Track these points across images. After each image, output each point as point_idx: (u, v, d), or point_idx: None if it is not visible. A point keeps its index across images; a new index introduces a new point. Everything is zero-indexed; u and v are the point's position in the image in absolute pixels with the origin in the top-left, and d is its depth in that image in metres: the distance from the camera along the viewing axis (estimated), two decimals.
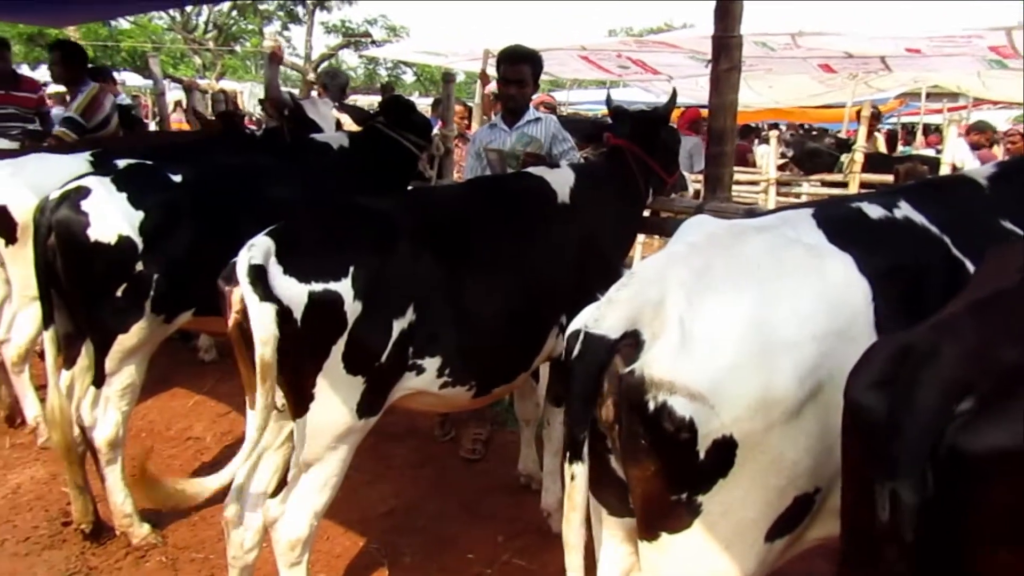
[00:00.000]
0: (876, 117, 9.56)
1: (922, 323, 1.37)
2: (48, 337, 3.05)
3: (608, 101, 3.86)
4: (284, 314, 2.26)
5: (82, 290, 3.01)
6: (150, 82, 10.93)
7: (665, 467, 1.56)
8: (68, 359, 3.14)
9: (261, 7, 31.52)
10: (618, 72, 11.34)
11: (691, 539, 1.60)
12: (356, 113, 4.69)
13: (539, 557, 3.26)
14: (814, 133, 9.96)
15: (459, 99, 7.33)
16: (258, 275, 2.23)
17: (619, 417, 1.61)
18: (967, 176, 2.44)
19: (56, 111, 6.28)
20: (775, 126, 14.41)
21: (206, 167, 3.42)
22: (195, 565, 3.21)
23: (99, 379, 3.08)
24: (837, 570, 1.41)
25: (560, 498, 3.33)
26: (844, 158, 8.00)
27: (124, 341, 3.03)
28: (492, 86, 8.29)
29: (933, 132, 14.96)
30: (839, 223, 1.92)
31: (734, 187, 3.57)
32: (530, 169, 3.35)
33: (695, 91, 10.29)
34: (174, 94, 11.76)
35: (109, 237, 2.91)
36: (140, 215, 2.97)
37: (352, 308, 2.34)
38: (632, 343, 1.60)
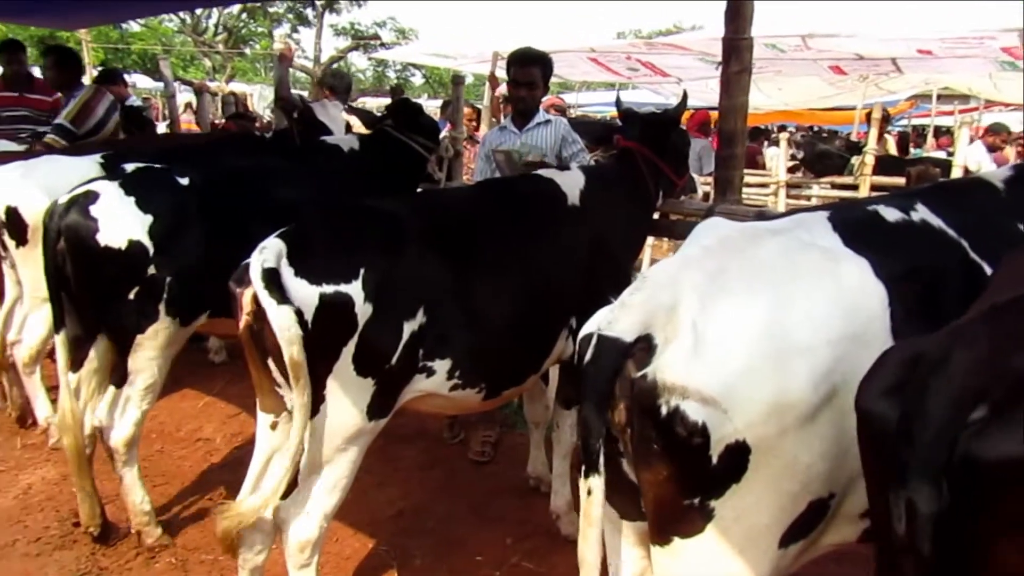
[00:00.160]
0: (885, 119, 9.52)
1: (935, 330, 1.36)
2: (59, 341, 3.05)
3: (618, 103, 3.86)
4: (295, 316, 2.26)
5: (95, 294, 3.01)
6: (161, 84, 10.99)
7: (678, 472, 1.56)
8: (75, 362, 3.14)
9: (271, 10, 31.65)
10: (627, 74, 11.32)
11: (704, 544, 1.59)
12: (365, 116, 4.71)
13: (548, 560, 3.25)
14: (824, 135, 9.93)
15: (468, 101, 7.32)
16: (272, 279, 2.23)
17: (631, 421, 1.60)
18: (983, 179, 2.43)
19: None
20: (783, 128, 14.37)
21: (215, 170, 3.41)
22: (205, 566, 3.21)
23: (120, 378, 3.09)
24: None
25: (569, 500, 3.37)
26: (854, 160, 7.97)
27: (143, 342, 3.03)
28: (502, 88, 8.30)
29: (944, 134, 14.89)
30: (855, 226, 1.91)
31: (743, 190, 3.56)
32: (540, 171, 3.35)
33: (705, 93, 10.26)
34: (184, 96, 11.82)
35: (119, 242, 2.91)
36: (149, 219, 2.96)
37: (363, 310, 2.34)
38: (645, 347, 1.59)
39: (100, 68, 11.15)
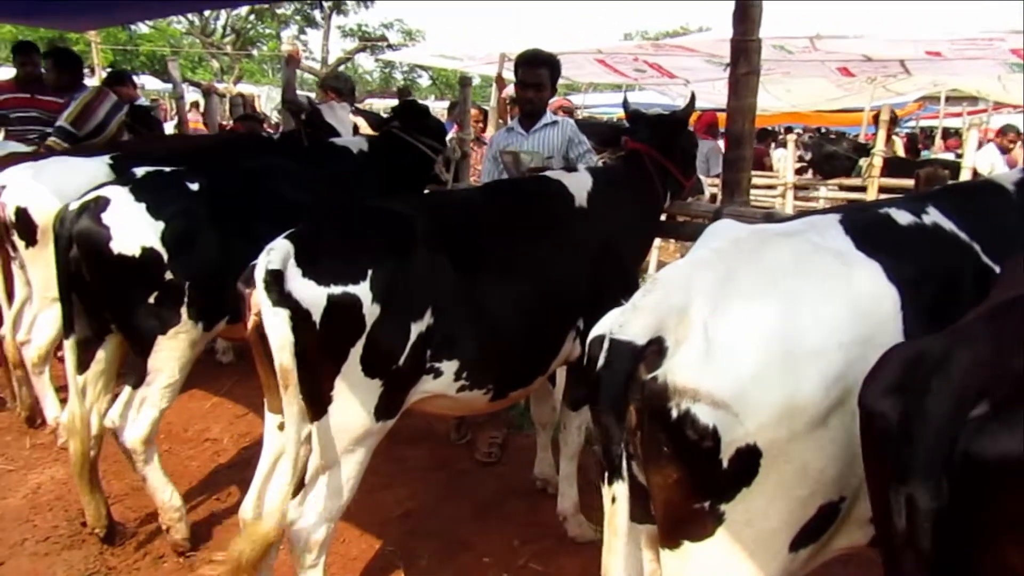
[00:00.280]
0: (893, 121, 9.49)
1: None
2: (69, 345, 3.05)
3: (625, 104, 3.85)
4: (303, 316, 2.26)
5: (112, 299, 3.00)
6: (169, 86, 11.03)
7: (688, 475, 1.55)
8: (82, 363, 3.14)
9: (278, 11, 31.72)
10: (634, 76, 11.33)
11: (714, 548, 1.58)
12: (372, 117, 4.72)
13: (555, 561, 3.25)
14: (832, 137, 9.89)
15: (474, 103, 7.33)
16: (274, 280, 2.23)
17: (641, 424, 1.60)
18: (994, 181, 2.41)
19: None
20: (790, 129, 14.33)
21: (227, 173, 3.41)
22: (213, 566, 3.21)
23: (139, 380, 3.08)
24: None
25: (576, 502, 3.36)
26: (863, 162, 7.95)
27: (165, 343, 3.02)
28: (509, 90, 8.30)
29: (952, 136, 14.83)
30: (867, 229, 1.90)
31: (751, 191, 3.55)
32: (548, 172, 3.35)
33: (712, 95, 10.26)
34: (191, 96, 11.86)
35: (133, 250, 2.90)
36: (161, 225, 2.95)
37: (370, 311, 2.34)
38: (656, 349, 1.59)
39: (109, 69, 11.20)
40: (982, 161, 7.69)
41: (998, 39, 6.97)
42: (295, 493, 2.57)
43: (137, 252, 2.90)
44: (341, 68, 28.56)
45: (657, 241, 6.59)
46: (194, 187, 3.15)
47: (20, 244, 3.74)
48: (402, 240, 2.53)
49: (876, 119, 8.34)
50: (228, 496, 3.72)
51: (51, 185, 3.67)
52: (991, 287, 1.69)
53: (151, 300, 2.95)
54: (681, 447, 1.53)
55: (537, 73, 3.97)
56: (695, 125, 8.06)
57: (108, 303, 3.03)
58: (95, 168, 3.83)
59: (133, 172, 3.17)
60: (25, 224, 3.67)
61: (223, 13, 30.44)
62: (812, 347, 1.56)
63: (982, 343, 1.30)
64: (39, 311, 3.92)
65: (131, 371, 3.19)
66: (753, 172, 3.88)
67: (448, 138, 4.66)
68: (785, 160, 8.73)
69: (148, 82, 18.97)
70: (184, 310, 3.01)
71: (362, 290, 2.33)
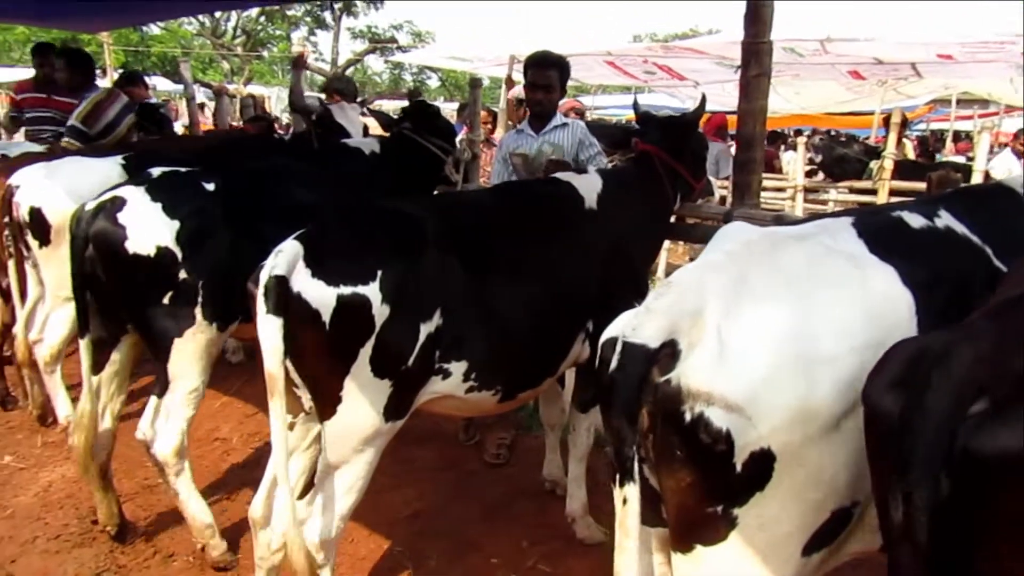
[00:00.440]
0: (903, 124, 9.46)
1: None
2: (84, 345, 3.05)
3: (635, 106, 3.85)
4: (312, 317, 2.27)
5: (128, 300, 2.99)
6: (180, 87, 11.08)
7: (701, 478, 1.55)
8: (96, 364, 3.14)
9: (289, 13, 31.85)
10: (644, 78, 11.32)
11: (726, 552, 1.58)
12: (382, 118, 4.72)
13: (564, 563, 3.24)
14: (843, 139, 9.86)
15: (484, 104, 7.33)
16: (275, 286, 2.25)
17: (654, 427, 1.60)
18: (1005, 185, 2.40)
19: None
20: (800, 132, 14.29)
21: (242, 173, 3.40)
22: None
23: (162, 388, 3.07)
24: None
25: (585, 504, 3.36)
26: (873, 165, 7.92)
27: (181, 346, 3.00)
28: (515, 91, 8.30)
29: (963, 139, 14.76)
30: (880, 232, 1.89)
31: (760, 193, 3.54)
32: (558, 175, 3.35)
33: (722, 97, 10.25)
34: (199, 97, 11.89)
35: (148, 249, 2.89)
36: (176, 224, 2.94)
37: (380, 311, 2.34)
38: (670, 352, 1.58)
39: (120, 70, 11.26)
40: (999, 166, 7.65)
41: (1010, 42, 6.93)
42: (303, 493, 2.59)
43: (152, 252, 2.90)
44: (351, 69, 28.66)
45: (666, 243, 6.57)
46: (210, 187, 3.14)
47: (34, 244, 3.75)
48: (412, 241, 2.53)
49: (886, 122, 8.31)
50: (238, 496, 3.74)
51: (64, 185, 3.69)
52: (998, 286, 1.69)
53: (166, 300, 2.95)
54: (694, 450, 1.52)
55: (547, 75, 3.97)
56: (704, 127, 8.04)
57: (124, 303, 3.02)
58: (108, 168, 3.85)
59: (149, 172, 3.16)
60: (39, 224, 3.69)
61: (234, 15, 30.60)
62: (826, 351, 1.56)
63: (984, 340, 1.31)
64: (52, 310, 3.94)
65: (155, 379, 3.17)
66: (763, 174, 3.87)
67: (458, 139, 4.66)
68: (795, 162, 8.70)
69: (159, 83, 19.04)
70: (198, 311, 3.00)
71: (372, 291, 2.33)
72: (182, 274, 2.95)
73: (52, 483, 3.85)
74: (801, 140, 8.99)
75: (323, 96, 6.27)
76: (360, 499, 2.55)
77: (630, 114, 3.87)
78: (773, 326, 1.57)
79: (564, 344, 2.98)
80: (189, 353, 3.03)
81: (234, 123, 8.80)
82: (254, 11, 30.38)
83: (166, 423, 3.07)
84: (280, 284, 2.25)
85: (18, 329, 4.16)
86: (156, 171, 3.18)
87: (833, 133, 12.29)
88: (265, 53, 33.54)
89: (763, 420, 1.50)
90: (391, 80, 39.63)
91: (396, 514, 3.59)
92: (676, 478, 1.57)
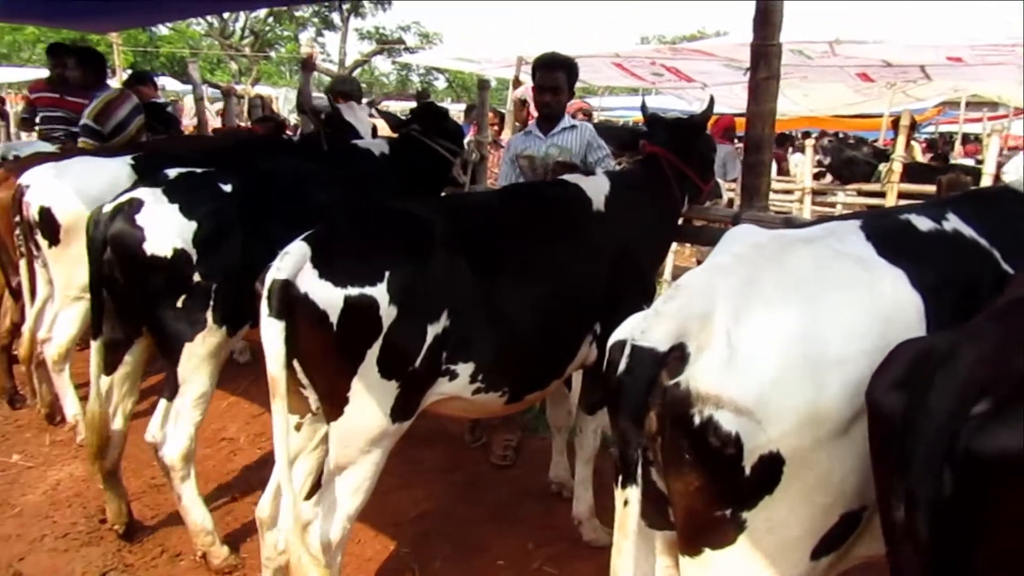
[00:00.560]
0: (912, 126, 9.43)
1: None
2: (96, 347, 3.05)
3: (643, 108, 3.84)
4: (320, 318, 2.28)
5: (144, 302, 2.98)
6: (188, 87, 11.12)
7: (710, 482, 1.54)
8: (109, 365, 3.15)
9: (296, 13, 31.95)
10: (652, 79, 11.30)
11: (735, 555, 1.57)
12: (391, 120, 4.73)
13: (569, 565, 3.24)
14: (851, 141, 9.83)
15: (491, 106, 7.34)
16: (279, 289, 2.25)
17: (662, 430, 1.59)
18: (1013, 188, 2.40)
19: None
20: (808, 134, 14.26)
21: (257, 174, 3.38)
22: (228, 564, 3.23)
23: (172, 391, 3.06)
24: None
25: (591, 506, 3.35)
26: (882, 167, 7.88)
27: (192, 350, 2.99)
28: (518, 92, 8.30)
29: (972, 141, 14.69)
30: (888, 235, 1.89)
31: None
32: (565, 176, 3.34)
33: (730, 99, 10.21)
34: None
35: (165, 250, 2.88)
36: (193, 226, 2.93)
37: (387, 313, 2.35)
38: (679, 355, 1.58)
39: (129, 71, 11.31)
40: (1012, 170, 7.59)
41: (1020, 44, 6.89)
42: (311, 494, 2.59)
43: (169, 253, 2.89)
44: (358, 71, 28.71)
45: (673, 245, 6.55)
46: (227, 188, 3.12)
47: (43, 243, 3.77)
48: (420, 242, 2.53)
49: (895, 124, 8.28)
50: (244, 496, 3.74)
51: (74, 185, 3.71)
52: (1006, 288, 1.69)
53: (179, 303, 2.94)
54: (703, 454, 1.52)
55: (554, 77, 3.97)
56: (712, 129, 8.01)
57: (140, 305, 3.01)
58: (117, 168, 3.87)
59: (165, 173, 3.14)
60: (48, 223, 3.71)
61: (242, 15, 30.69)
62: (835, 354, 1.56)
63: (988, 341, 1.32)
64: (60, 309, 3.95)
65: (165, 382, 3.17)
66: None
67: (466, 141, 4.66)
68: (803, 165, 8.68)
69: (168, 83, 19.13)
70: (210, 314, 2.99)
71: (379, 292, 2.33)
72: (196, 277, 2.94)
73: (60, 481, 3.87)
74: (809, 142, 8.96)
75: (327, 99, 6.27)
76: (367, 500, 2.55)
77: (637, 115, 3.85)
78: (782, 329, 1.57)
79: (571, 346, 2.98)
80: (199, 357, 3.02)
81: (241, 123, 8.83)
82: (262, 12, 30.50)
83: (175, 427, 3.06)
84: (284, 288, 2.26)
85: (26, 328, 4.18)
86: (172, 172, 3.16)
87: (841, 135, 12.26)
88: (273, 54, 33.64)
89: (772, 423, 1.49)
90: (398, 81, 39.71)
91: (402, 515, 3.59)
92: (684, 481, 1.57)
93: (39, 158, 4.23)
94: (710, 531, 1.59)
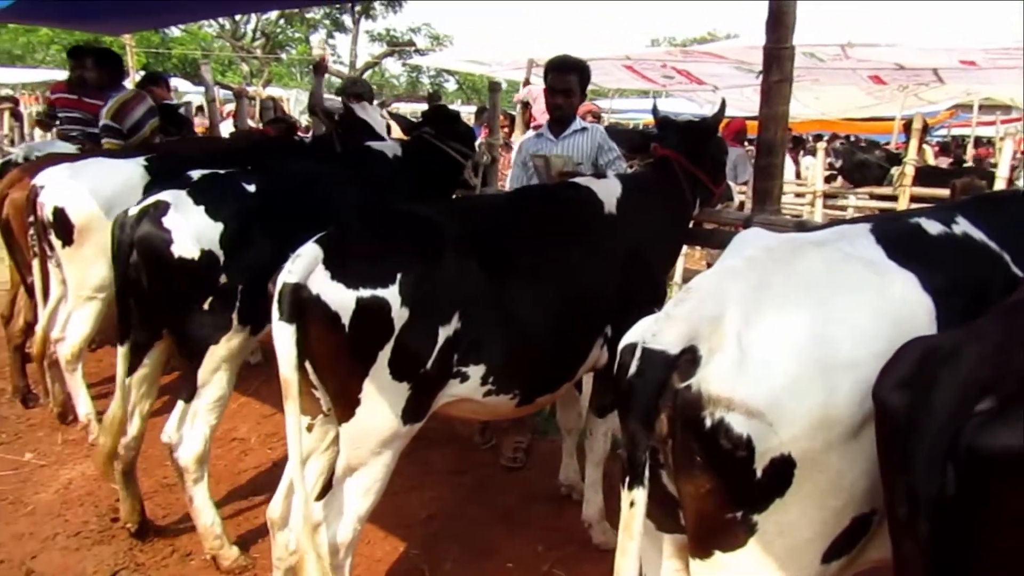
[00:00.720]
0: (924, 129, 9.38)
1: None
2: (122, 353, 3.04)
3: (655, 111, 3.84)
4: (332, 320, 2.29)
5: (170, 305, 2.98)
6: (200, 88, 11.18)
7: (721, 484, 1.54)
8: (130, 367, 3.16)
9: (307, 15, 32.07)
10: (662, 82, 11.30)
11: (745, 558, 1.57)
12: (403, 122, 4.74)
13: (579, 568, 3.24)
14: (863, 144, 9.78)
15: (502, 108, 7.35)
16: (289, 292, 2.27)
17: (673, 433, 1.59)
18: (1022, 191, 2.39)
19: None
20: (819, 137, 14.21)
21: (279, 174, 3.38)
22: (239, 564, 3.24)
23: (190, 393, 3.06)
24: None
25: (601, 509, 3.35)
26: (894, 171, 7.84)
27: (215, 352, 3.00)
28: (520, 94, 8.32)
29: (984, 145, 14.61)
30: (898, 239, 1.89)
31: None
32: (577, 179, 3.35)
33: (740, 102, 10.19)
34: (199, 101, 12.00)
35: (192, 252, 2.88)
36: (220, 227, 2.93)
37: (399, 314, 2.35)
38: (690, 358, 1.58)
39: (142, 72, 11.39)
40: None
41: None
42: (322, 495, 2.60)
43: (196, 255, 2.88)
44: (368, 72, 28.79)
45: (683, 248, 6.54)
46: (251, 189, 3.11)
47: (57, 243, 3.80)
48: (431, 244, 2.54)
49: (907, 127, 8.24)
50: (255, 496, 3.76)
51: (88, 185, 3.74)
52: (1016, 292, 1.70)
53: (205, 306, 2.93)
54: (715, 456, 1.52)
55: (566, 79, 3.98)
56: (723, 132, 7.99)
57: (165, 308, 3.00)
58: (131, 169, 3.90)
59: (189, 175, 3.13)
60: (62, 224, 3.74)
61: (253, 17, 30.83)
62: (846, 357, 1.55)
63: (992, 339, 1.33)
64: (73, 309, 3.98)
65: (182, 383, 3.19)
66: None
67: (477, 143, 4.68)
68: (814, 168, 8.64)
69: (180, 85, 19.25)
70: (235, 315, 2.98)
71: (391, 294, 2.34)
72: (223, 278, 2.94)
73: (72, 480, 3.89)
74: (821, 145, 8.91)
75: (340, 98, 6.29)
76: (377, 501, 2.55)
77: (647, 118, 3.86)
78: (793, 332, 1.57)
79: (582, 349, 2.98)
80: (221, 359, 3.03)
81: (254, 125, 8.86)
82: (273, 14, 30.62)
83: (191, 429, 3.07)
84: (294, 291, 2.27)
85: (39, 327, 4.21)
86: (196, 174, 3.15)
87: (853, 138, 12.21)
88: (284, 55, 33.78)
89: (784, 426, 1.49)
90: (408, 83, 39.80)
91: (412, 517, 3.60)
92: (695, 484, 1.57)
93: (54, 159, 4.26)
94: (721, 533, 1.58)
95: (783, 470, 1.51)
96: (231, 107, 11.61)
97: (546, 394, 2.98)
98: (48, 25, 17.86)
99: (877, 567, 1.77)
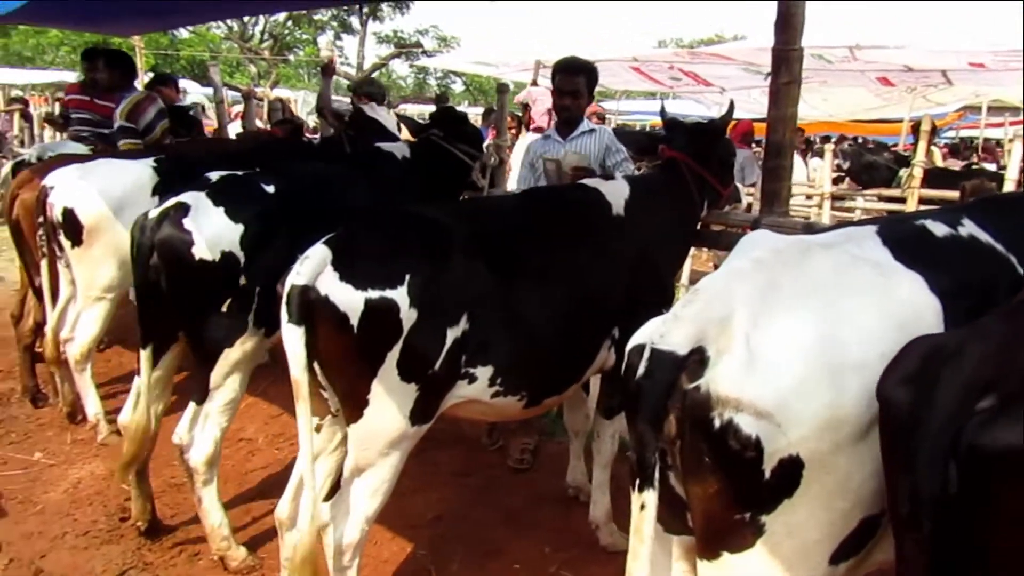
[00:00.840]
0: (932, 131, 9.35)
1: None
2: (145, 356, 3.02)
3: (663, 113, 3.84)
4: (340, 321, 2.30)
5: (190, 308, 2.97)
6: (209, 90, 11.23)
7: (729, 485, 1.54)
8: (143, 369, 3.17)
9: (315, 17, 32.16)
10: (670, 84, 11.30)
11: (753, 559, 1.57)
12: (411, 124, 4.76)
13: (586, 569, 3.24)
14: (871, 146, 9.76)
15: (509, 110, 7.37)
16: (299, 295, 2.28)
17: (682, 434, 1.60)
18: None
19: None
20: (827, 139, 14.18)
21: (297, 175, 3.37)
22: (247, 563, 3.25)
23: (202, 395, 3.06)
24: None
25: (608, 511, 3.35)
26: (903, 172, 7.82)
27: (230, 355, 3.00)
28: (521, 95, 8.33)
29: (993, 145, 14.54)
30: (904, 241, 1.89)
31: None
32: (585, 181, 3.35)
33: (748, 103, 10.19)
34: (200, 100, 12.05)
35: (214, 254, 2.88)
36: (240, 229, 2.93)
37: (408, 315, 2.36)
38: (698, 359, 1.58)
39: (151, 74, 11.44)
40: None
41: None
42: (330, 495, 2.61)
43: (217, 256, 2.88)
44: (376, 74, 28.85)
45: (691, 250, 6.54)
46: (270, 190, 3.11)
47: (66, 244, 3.83)
48: (439, 246, 2.54)
49: (915, 129, 8.22)
50: (262, 495, 3.77)
51: (97, 186, 3.76)
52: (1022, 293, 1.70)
53: (224, 308, 2.93)
54: (723, 457, 1.52)
55: (574, 81, 3.98)
56: (731, 133, 7.99)
57: (184, 310, 2.99)
58: (140, 170, 3.92)
59: (207, 176, 3.12)
60: (71, 224, 3.76)
61: (261, 19, 30.93)
62: (854, 358, 1.56)
63: (995, 338, 1.33)
64: (83, 309, 4.01)
65: (195, 384, 3.16)
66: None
67: (485, 145, 4.68)
68: (822, 170, 8.62)
69: (188, 86, 19.33)
70: (251, 317, 2.98)
71: (400, 295, 2.35)
72: (242, 280, 2.94)
73: (81, 480, 3.91)
74: (828, 147, 8.89)
75: (348, 100, 6.31)
76: (385, 502, 2.56)
77: (654, 119, 3.86)
78: (801, 333, 1.57)
79: (590, 350, 2.98)
80: (235, 361, 3.03)
81: (262, 126, 8.90)
82: (281, 16, 30.71)
83: (202, 431, 3.07)
84: (303, 293, 2.28)
85: (49, 328, 4.24)
86: (214, 175, 3.14)
87: (861, 140, 12.18)
88: (291, 57, 33.86)
89: (792, 427, 1.49)
90: (416, 84, 39.86)
91: (419, 518, 3.60)
92: (704, 485, 1.57)
93: (64, 159, 4.29)
94: (729, 535, 1.59)
95: (791, 471, 1.51)
96: (239, 108, 11.66)
97: (553, 395, 2.98)
98: (58, 27, 17.95)
99: (883, 568, 1.78)
